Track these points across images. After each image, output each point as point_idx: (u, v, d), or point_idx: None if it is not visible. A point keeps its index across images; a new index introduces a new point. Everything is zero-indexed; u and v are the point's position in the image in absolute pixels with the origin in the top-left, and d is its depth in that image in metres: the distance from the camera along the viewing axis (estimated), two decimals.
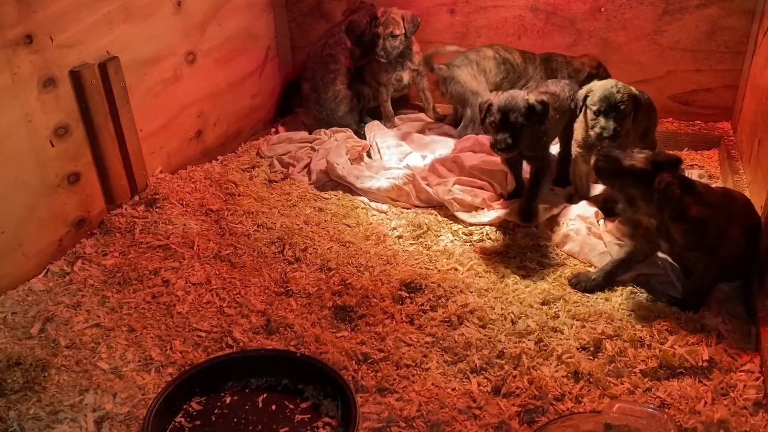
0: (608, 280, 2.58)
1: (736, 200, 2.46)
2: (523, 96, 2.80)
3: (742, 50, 3.58)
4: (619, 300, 2.51)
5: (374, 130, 3.86)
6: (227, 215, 3.05)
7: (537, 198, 3.01)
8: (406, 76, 3.95)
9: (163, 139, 3.26)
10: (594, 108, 2.79)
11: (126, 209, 3.00)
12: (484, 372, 2.19)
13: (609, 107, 2.76)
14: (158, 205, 3.03)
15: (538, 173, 3.01)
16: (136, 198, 3.07)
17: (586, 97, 2.84)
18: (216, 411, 2.06)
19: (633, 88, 2.83)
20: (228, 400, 2.11)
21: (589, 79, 3.36)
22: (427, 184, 3.26)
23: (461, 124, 3.78)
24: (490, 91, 3.44)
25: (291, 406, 2.08)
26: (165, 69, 3.20)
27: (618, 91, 2.76)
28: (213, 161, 3.60)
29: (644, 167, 2.32)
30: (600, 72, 3.57)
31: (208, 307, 2.49)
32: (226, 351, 2.27)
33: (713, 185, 2.74)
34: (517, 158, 3.08)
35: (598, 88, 2.82)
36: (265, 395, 2.12)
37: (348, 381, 2.08)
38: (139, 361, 2.24)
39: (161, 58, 3.16)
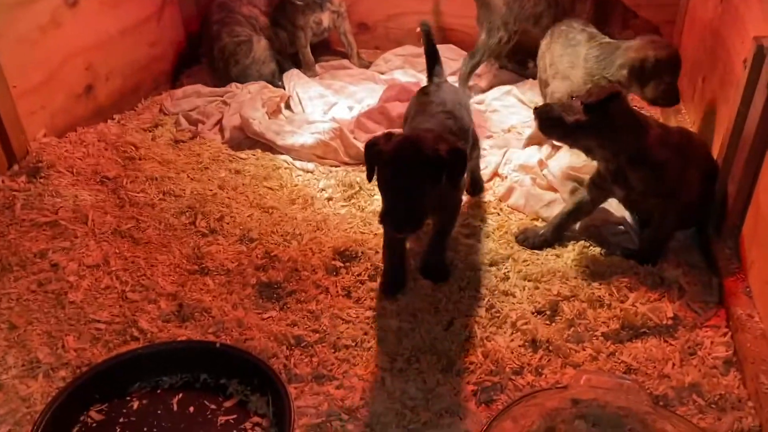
0: (557, 234, 2.39)
1: (694, 141, 2.29)
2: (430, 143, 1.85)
3: None
4: (571, 256, 2.32)
5: (294, 79, 3.49)
6: (127, 183, 2.64)
7: (446, 249, 2.28)
8: (326, 19, 3.58)
9: (45, 97, 2.80)
10: None
11: (3, 181, 2.58)
12: (433, 347, 1.94)
13: None
14: (42, 174, 2.60)
15: (446, 225, 2.22)
16: (15, 168, 2.65)
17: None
18: (121, 420, 1.73)
19: None
20: (135, 405, 1.78)
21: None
22: (355, 138, 2.95)
23: (469, 53, 3.42)
24: (528, 22, 3.09)
25: (212, 407, 1.77)
26: (40, 13, 2.73)
27: None
28: (108, 121, 3.17)
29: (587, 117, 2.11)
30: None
31: (108, 293, 2.12)
32: (132, 345, 1.92)
33: None
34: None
35: None
36: (180, 395, 1.80)
37: (279, 371, 1.80)
38: (23, 365, 1.86)
39: (34, 0, 2.66)
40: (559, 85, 2.94)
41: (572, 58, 2.87)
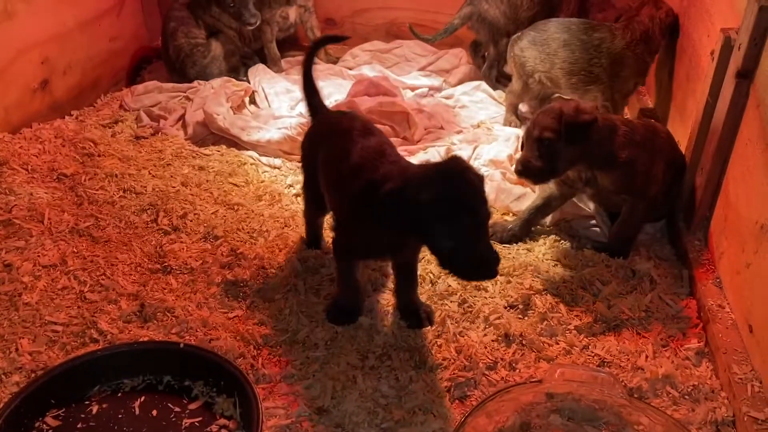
0: (526, 229, 2.37)
1: (660, 135, 2.29)
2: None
3: None
4: (542, 250, 2.30)
5: (259, 74, 3.41)
6: (85, 180, 2.54)
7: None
8: (292, 14, 3.52)
9: None
10: None
11: None
12: (405, 344, 1.89)
13: None
14: None
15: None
16: None
17: None
18: (79, 425, 1.65)
19: None
20: (95, 409, 1.69)
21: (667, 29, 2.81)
22: None
23: (485, 64, 3.45)
24: (524, 25, 3.07)
25: (177, 409, 1.70)
26: None
27: None
28: (66, 117, 3.06)
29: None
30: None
31: (65, 294, 2.03)
32: (91, 348, 1.83)
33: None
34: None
35: None
36: (143, 398, 1.72)
37: (246, 371, 1.73)
38: None
39: None
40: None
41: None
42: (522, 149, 2.22)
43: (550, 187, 2.35)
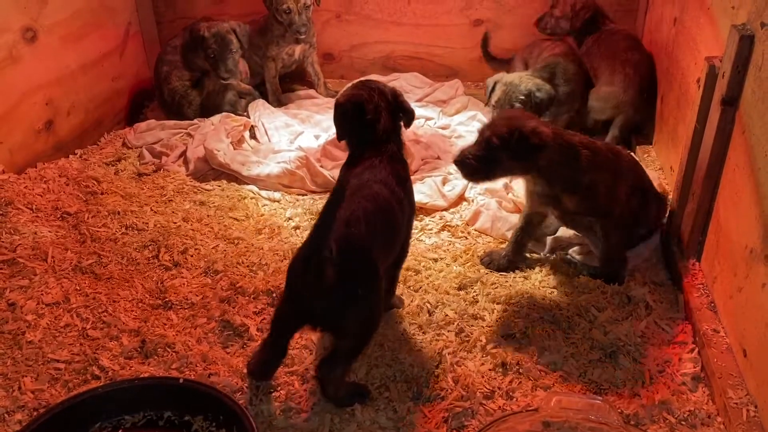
0: (519, 252, 2.39)
1: (623, 158, 2.30)
2: None
3: (634, 8, 3.51)
4: (538, 277, 2.32)
5: (259, 109, 3.48)
6: (88, 218, 2.58)
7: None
8: (298, 50, 3.60)
9: (2, 133, 2.75)
10: None
11: None
12: (403, 375, 1.91)
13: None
14: (0, 212, 2.51)
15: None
16: None
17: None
18: None
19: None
20: None
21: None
22: (322, 167, 2.95)
23: None
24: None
25: None
26: None
27: None
28: (70, 156, 3.11)
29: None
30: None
31: (68, 332, 2.06)
32: (93, 384, 1.86)
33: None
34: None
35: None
36: None
37: (245, 406, 1.74)
38: None
39: None
40: None
41: None
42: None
43: (527, 206, 2.37)
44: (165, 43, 3.53)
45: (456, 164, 2.15)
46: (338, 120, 2.04)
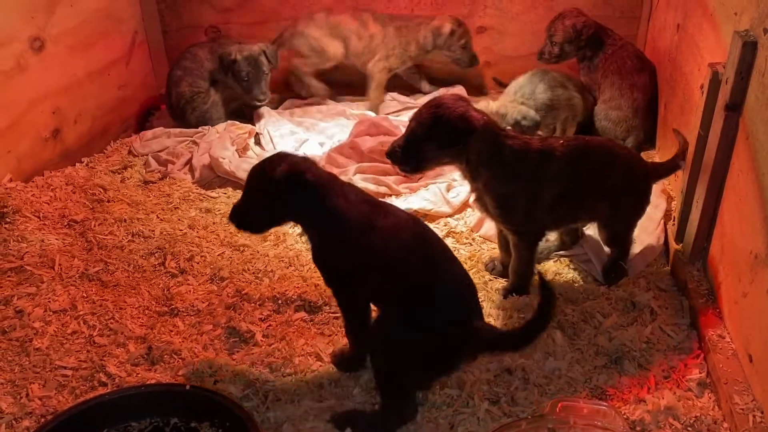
0: (508, 258, 2.37)
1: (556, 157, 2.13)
2: None
3: (636, 15, 3.52)
4: None
5: (264, 117, 3.49)
6: (95, 225, 2.60)
7: None
8: None
9: (10, 142, 2.77)
10: None
11: None
12: None
13: None
14: (8, 219, 2.54)
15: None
16: None
17: None
18: None
19: None
20: None
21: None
22: None
23: None
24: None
25: None
26: (4, 58, 2.71)
27: None
28: (76, 164, 3.12)
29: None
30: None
31: (75, 339, 2.07)
32: (100, 391, 1.87)
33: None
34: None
35: None
36: None
37: (251, 412, 1.75)
38: None
39: None
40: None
41: None
42: None
43: None
44: (185, 49, 3.52)
45: (387, 156, 2.10)
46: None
